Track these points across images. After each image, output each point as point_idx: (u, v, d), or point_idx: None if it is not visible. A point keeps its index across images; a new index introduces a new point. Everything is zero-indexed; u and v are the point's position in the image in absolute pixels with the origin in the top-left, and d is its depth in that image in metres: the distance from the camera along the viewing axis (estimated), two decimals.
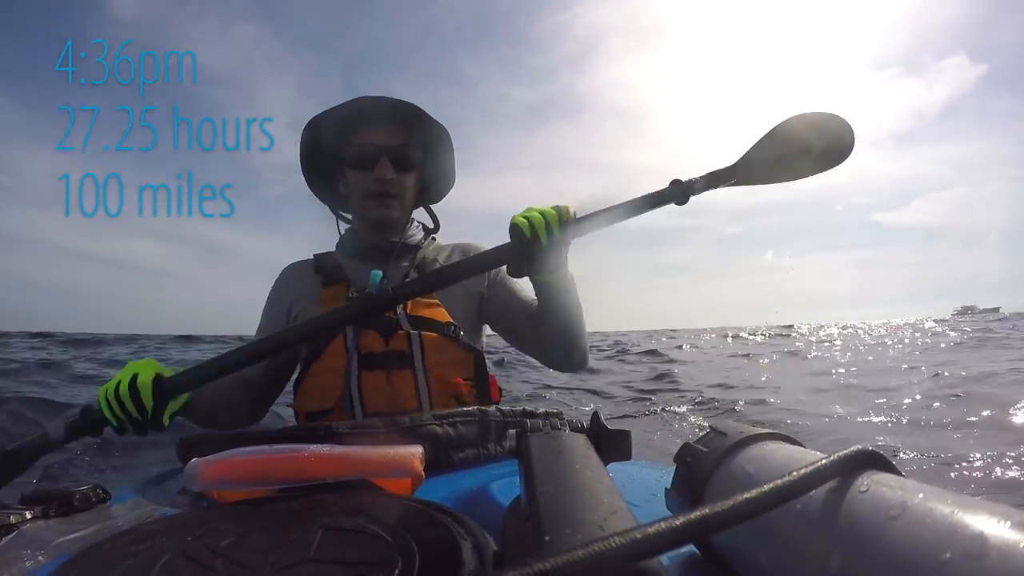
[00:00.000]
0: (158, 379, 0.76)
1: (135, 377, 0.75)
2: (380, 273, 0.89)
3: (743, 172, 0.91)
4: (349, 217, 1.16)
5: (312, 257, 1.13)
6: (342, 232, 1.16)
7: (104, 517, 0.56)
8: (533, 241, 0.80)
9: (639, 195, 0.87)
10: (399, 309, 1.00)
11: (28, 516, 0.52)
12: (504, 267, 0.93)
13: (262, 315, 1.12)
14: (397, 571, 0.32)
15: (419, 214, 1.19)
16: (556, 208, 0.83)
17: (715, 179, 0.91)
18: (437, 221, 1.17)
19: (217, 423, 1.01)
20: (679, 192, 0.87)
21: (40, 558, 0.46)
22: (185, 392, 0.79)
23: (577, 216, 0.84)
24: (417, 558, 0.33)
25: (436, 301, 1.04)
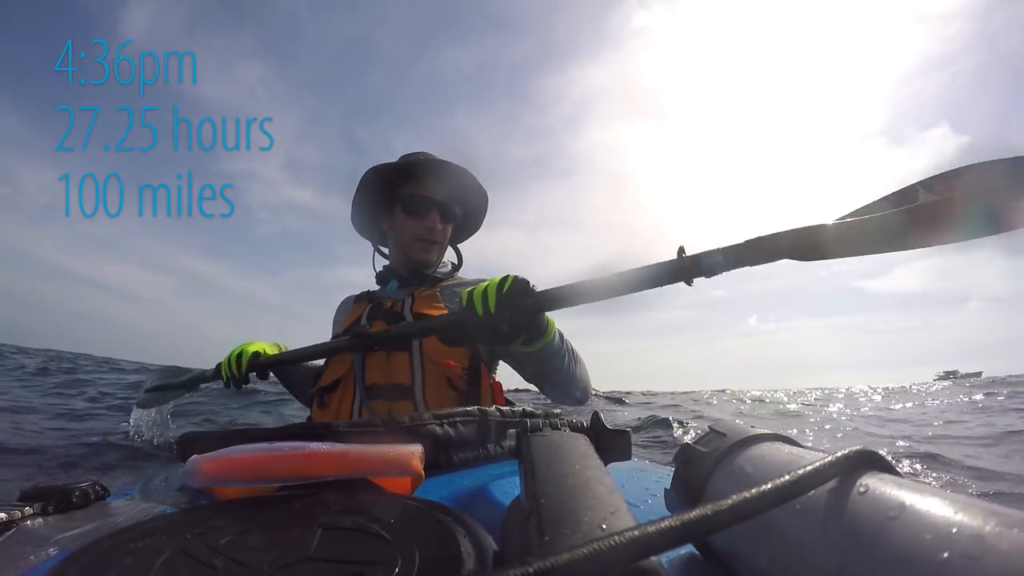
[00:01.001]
0: (255, 356, 1.20)
1: (240, 353, 1.20)
2: (396, 284, 1.21)
3: (821, 242, 0.64)
4: (386, 251, 1.35)
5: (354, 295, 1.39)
6: (376, 265, 1.36)
7: (103, 514, 0.56)
8: (470, 315, 0.83)
9: (632, 268, 0.72)
10: (405, 307, 1.18)
11: (27, 513, 0.52)
12: None
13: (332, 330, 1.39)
14: (397, 570, 0.32)
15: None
16: (503, 278, 0.83)
17: (740, 255, 0.66)
18: (461, 259, 1.37)
19: (293, 389, 1.41)
20: (689, 267, 0.67)
21: (40, 555, 0.46)
22: (268, 368, 1.20)
23: (533, 287, 0.82)
24: (417, 557, 0.33)
25: (440, 304, 1.18)
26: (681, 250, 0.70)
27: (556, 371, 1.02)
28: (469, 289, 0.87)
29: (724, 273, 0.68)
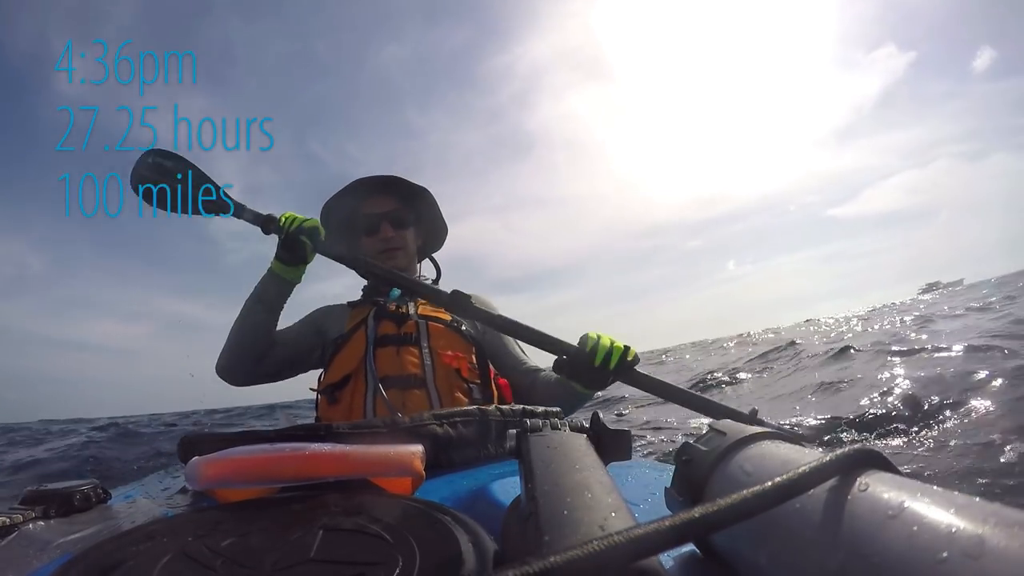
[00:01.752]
0: (317, 232, 1.18)
1: (315, 224, 1.18)
2: (399, 291, 1.24)
3: None
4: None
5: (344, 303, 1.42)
6: (364, 285, 1.42)
7: (104, 517, 0.56)
8: (588, 359, 0.98)
9: (707, 398, 0.99)
10: (410, 308, 1.24)
11: (29, 516, 0.52)
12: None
13: (298, 321, 1.38)
14: (397, 571, 0.32)
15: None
16: (625, 347, 0.99)
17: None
18: (439, 269, 1.45)
19: (238, 348, 1.26)
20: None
21: (41, 558, 0.46)
22: (324, 253, 1.19)
23: (637, 364, 0.99)
24: (417, 558, 0.33)
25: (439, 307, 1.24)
26: (754, 412, 0.92)
27: (575, 405, 1.17)
28: (593, 337, 1.00)
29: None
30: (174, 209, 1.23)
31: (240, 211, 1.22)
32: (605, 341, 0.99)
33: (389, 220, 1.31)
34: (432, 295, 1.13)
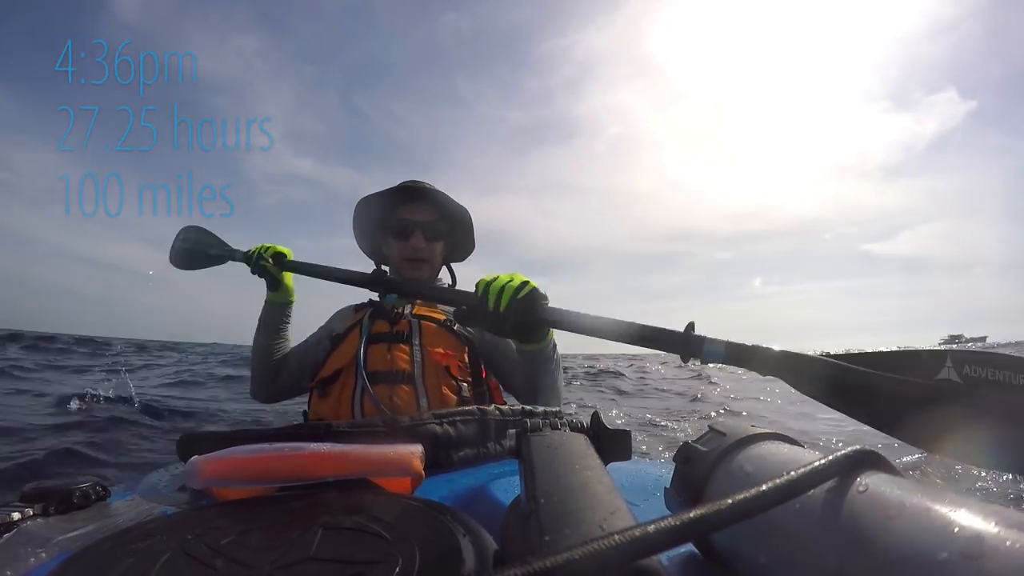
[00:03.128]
0: (284, 258, 1.31)
1: (272, 248, 1.31)
2: (395, 295, 1.25)
3: (790, 372, 0.64)
4: (388, 271, 1.43)
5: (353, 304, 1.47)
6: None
7: (104, 515, 0.56)
8: (480, 304, 0.90)
9: (642, 324, 0.78)
10: (405, 308, 1.25)
11: (28, 513, 0.52)
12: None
13: (319, 328, 1.46)
14: (397, 570, 0.32)
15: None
16: (524, 283, 0.88)
17: (741, 355, 0.69)
18: (455, 279, 1.46)
19: (255, 371, 1.40)
20: (692, 346, 0.71)
21: (40, 555, 0.46)
22: (289, 270, 1.31)
23: (546, 300, 0.88)
24: (417, 557, 0.33)
25: (438, 309, 1.27)
26: (691, 326, 0.74)
27: (543, 376, 1.12)
28: (486, 280, 0.91)
29: (719, 364, 0.72)
30: (196, 267, 1.53)
31: (235, 256, 1.42)
32: (495, 284, 0.88)
33: (423, 230, 1.33)
34: (440, 296, 1.16)
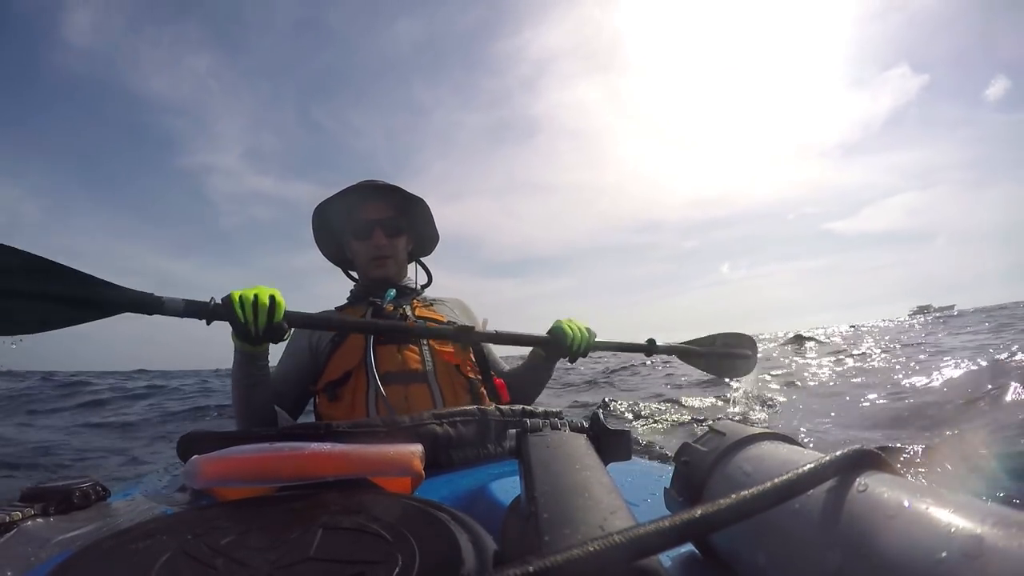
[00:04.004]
0: (287, 311, 0.98)
1: (273, 296, 0.95)
2: (394, 291, 1.26)
3: (684, 353, 1.55)
4: (356, 276, 1.43)
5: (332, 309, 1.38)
6: (352, 288, 1.43)
7: (104, 515, 0.56)
8: (570, 348, 1.18)
9: (630, 341, 1.40)
10: (407, 309, 1.26)
11: (28, 513, 0.52)
12: (484, 326, 1.34)
13: (287, 345, 1.30)
14: (397, 570, 0.32)
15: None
16: (588, 330, 1.22)
17: (671, 350, 1.52)
18: (429, 274, 1.45)
19: (246, 419, 1.12)
20: (650, 348, 1.42)
21: (40, 555, 0.46)
22: (292, 327, 1.02)
23: (595, 340, 1.24)
24: (417, 557, 0.33)
25: (435, 310, 1.30)
26: (651, 341, 1.42)
27: (542, 386, 1.36)
28: (569, 328, 1.19)
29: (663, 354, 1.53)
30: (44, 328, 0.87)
31: (162, 306, 0.90)
32: (577, 334, 1.19)
33: (382, 227, 1.30)
34: (436, 333, 1.17)
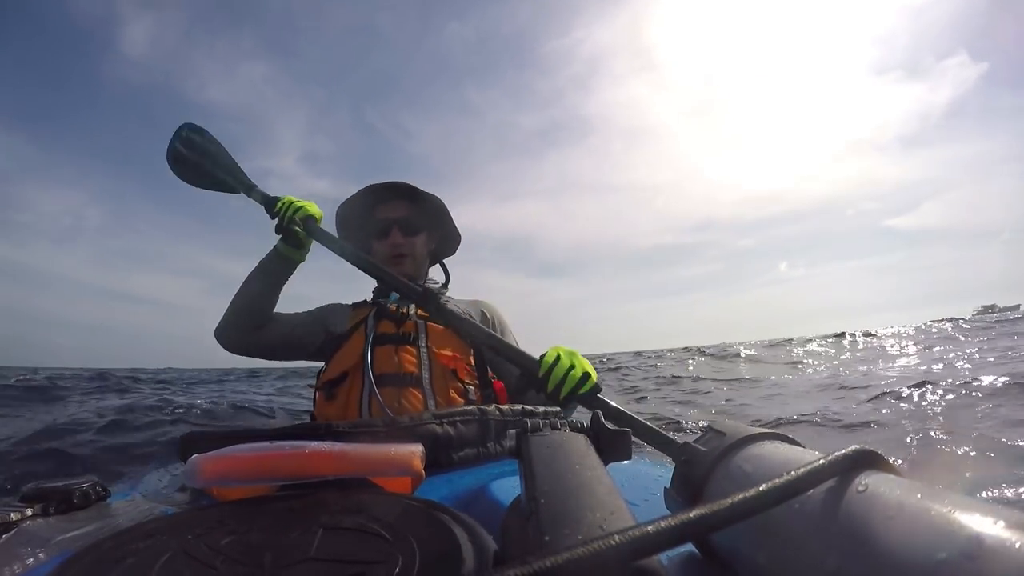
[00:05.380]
0: (313, 219, 1.21)
1: (305, 208, 1.21)
2: (397, 295, 1.28)
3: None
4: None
5: (349, 303, 1.45)
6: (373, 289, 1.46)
7: (104, 515, 0.56)
8: (550, 387, 0.90)
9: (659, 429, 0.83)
10: (410, 309, 1.25)
11: (28, 513, 0.52)
12: (502, 321, 1.36)
13: (309, 311, 1.42)
14: (397, 570, 0.32)
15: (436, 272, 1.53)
16: (585, 376, 0.89)
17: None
18: (448, 275, 1.47)
19: (238, 313, 1.29)
20: (680, 453, 0.86)
21: (40, 556, 0.46)
22: (317, 239, 1.21)
23: (600, 396, 0.89)
24: (417, 557, 0.33)
25: None
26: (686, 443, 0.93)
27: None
28: (550, 363, 0.91)
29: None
30: (199, 182, 1.35)
31: (251, 191, 1.30)
32: (561, 367, 0.90)
33: (399, 226, 1.34)
34: (404, 288, 1.12)
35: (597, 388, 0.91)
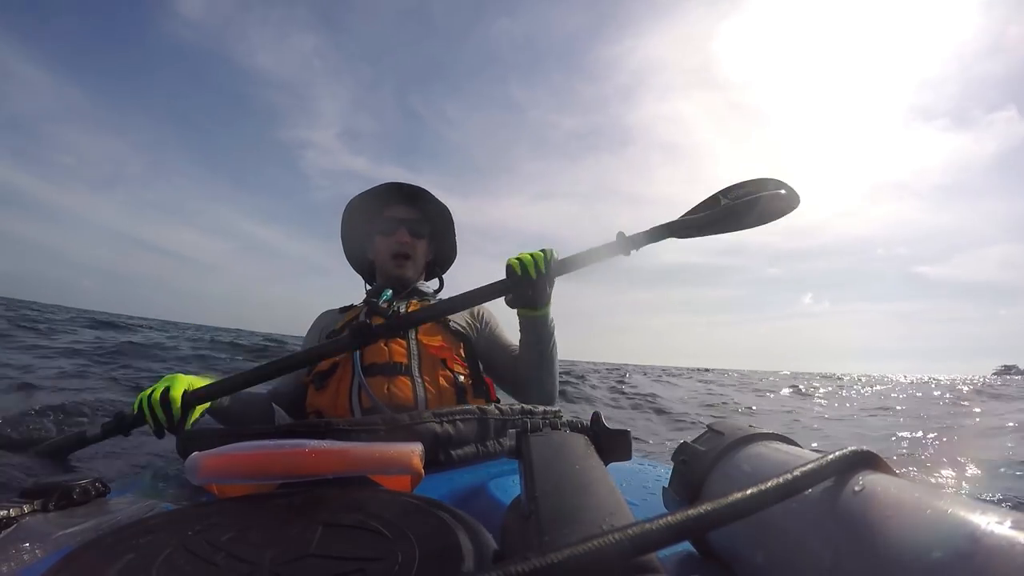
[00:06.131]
0: (186, 392, 0.94)
1: (167, 390, 0.93)
2: (391, 291, 1.20)
3: (681, 228, 1.11)
4: (375, 282, 1.46)
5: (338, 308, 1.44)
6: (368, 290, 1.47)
7: (104, 511, 0.56)
8: (524, 277, 1.03)
9: (599, 245, 1.08)
10: (401, 307, 1.25)
11: (27, 510, 0.52)
12: (490, 313, 1.34)
13: (304, 341, 1.39)
14: (397, 567, 0.32)
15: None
16: (543, 250, 1.07)
17: (655, 234, 1.11)
18: (442, 284, 1.49)
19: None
20: (624, 244, 1.06)
21: (40, 552, 0.46)
22: (208, 402, 0.97)
23: (558, 258, 1.06)
24: (417, 554, 0.33)
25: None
26: (621, 235, 1.08)
27: (545, 343, 1.19)
28: (518, 259, 1.06)
29: (644, 246, 1.08)
30: None
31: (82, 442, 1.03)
32: (527, 258, 1.07)
33: (407, 227, 1.37)
34: (422, 315, 1.10)
35: (554, 255, 1.08)
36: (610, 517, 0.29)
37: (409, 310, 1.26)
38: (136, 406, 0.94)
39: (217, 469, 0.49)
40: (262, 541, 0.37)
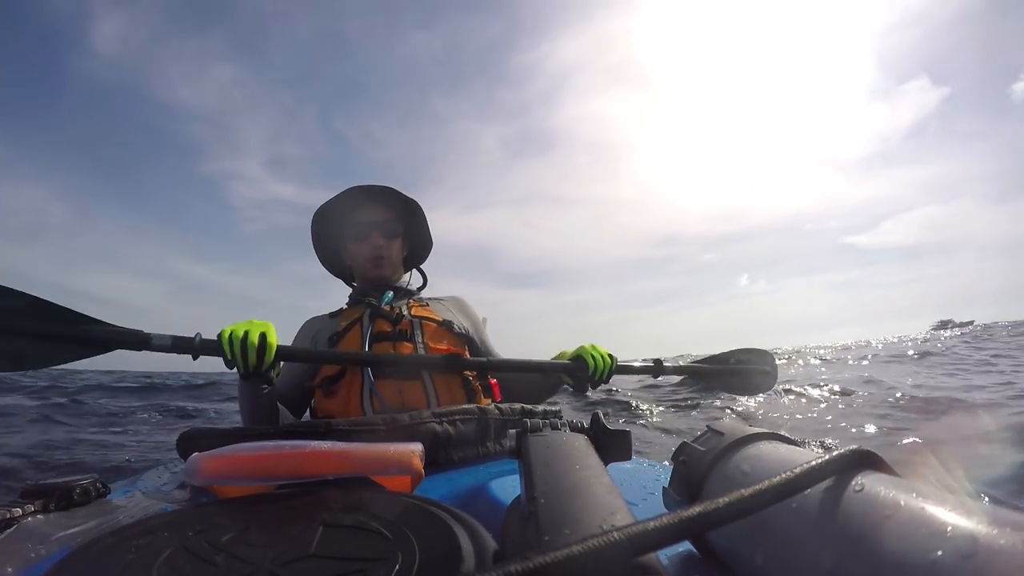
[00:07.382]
0: (280, 346, 0.96)
1: (263, 336, 0.93)
2: (391, 293, 1.28)
3: (694, 372, 1.52)
4: (355, 284, 1.47)
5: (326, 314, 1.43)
6: (350, 293, 1.46)
7: (104, 511, 0.56)
8: (595, 377, 1.18)
9: (645, 361, 1.41)
10: (403, 309, 1.26)
11: (28, 510, 0.52)
12: (484, 324, 1.42)
13: (294, 339, 1.37)
14: (397, 567, 0.32)
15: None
16: (611, 356, 1.21)
17: (676, 370, 1.44)
18: (426, 278, 1.49)
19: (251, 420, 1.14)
20: (658, 369, 1.38)
21: (41, 552, 0.46)
22: (283, 361, 1.00)
23: (617, 364, 1.22)
24: (417, 555, 0.33)
25: (430, 309, 1.32)
26: (658, 362, 1.40)
27: (553, 391, 1.34)
28: (592, 356, 1.18)
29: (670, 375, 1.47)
30: (55, 358, 0.90)
31: (149, 342, 0.93)
32: (600, 361, 1.18)
33: (380, 230, 1.34)
34: (426, 362, 1.12)
35: (616, 361, 1.23)
36: (610, 517, 0.29)
37: (412, 312, 1.26)
38: (225, 342, 0.90)
39: (217, 470, 0.49)
40: (262, 542, 0.37)
